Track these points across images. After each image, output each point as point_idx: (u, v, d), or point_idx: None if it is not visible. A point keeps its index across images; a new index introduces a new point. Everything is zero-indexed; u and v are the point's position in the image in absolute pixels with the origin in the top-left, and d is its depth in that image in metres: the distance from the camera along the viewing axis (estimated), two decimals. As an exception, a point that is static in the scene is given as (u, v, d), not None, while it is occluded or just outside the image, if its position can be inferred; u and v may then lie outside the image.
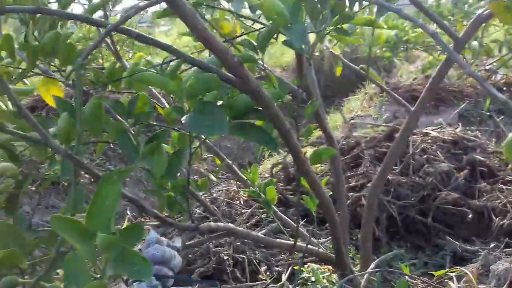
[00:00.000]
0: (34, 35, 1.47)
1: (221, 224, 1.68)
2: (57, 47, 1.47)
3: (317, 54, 5.99)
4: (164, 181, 1.53)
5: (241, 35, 1.72)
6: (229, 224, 1.73)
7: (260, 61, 1.81)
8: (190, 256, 2.25)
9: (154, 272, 1.22)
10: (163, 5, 1.24)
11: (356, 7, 1.58)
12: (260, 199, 2.03)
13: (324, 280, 1.96)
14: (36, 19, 1.42)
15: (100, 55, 3.64)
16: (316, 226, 2.23)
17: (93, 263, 0.87)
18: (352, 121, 3.29)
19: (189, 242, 1.84)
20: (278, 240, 1.85)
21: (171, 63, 1.56)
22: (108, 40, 2.31)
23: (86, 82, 1.71)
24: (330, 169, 2.24)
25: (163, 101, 2.21)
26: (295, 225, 2.02)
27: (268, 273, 2.20)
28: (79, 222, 0.87)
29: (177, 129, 1.79)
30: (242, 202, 2.85)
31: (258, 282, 2.08)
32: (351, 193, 2.60)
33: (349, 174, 2.77)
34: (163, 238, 1.35)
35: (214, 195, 2.71)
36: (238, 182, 2.81)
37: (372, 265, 1.77)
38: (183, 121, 1.27)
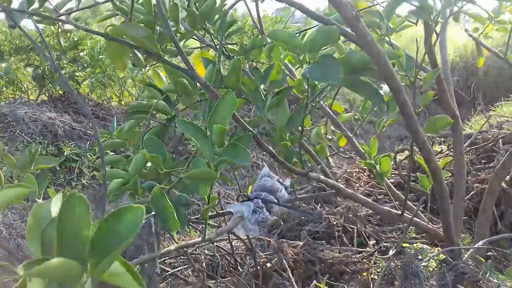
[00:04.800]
0: (195, 5, 1.81)
1: (330, 180, 1.80)
2: (212, 13, 1.79)
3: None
4: (283, 132, 1.73)
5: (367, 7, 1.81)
6: (338, 183, 1.84)
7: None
8: (303, 218, 2.41)
9: (262, 197, 1.41)
10: None
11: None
12: (374, 171, 2.10)
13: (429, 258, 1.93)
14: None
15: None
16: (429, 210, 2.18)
17: (209, 158, 1.10)
18: (495, 117, 3.05)
19: (300, 195, 1.99)
20: (386, 208, 1.89)
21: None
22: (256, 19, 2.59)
23: (233, 51, 2.01)
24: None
25: (295, 73, 2.41)
26: (414, 207, 2.02)
27: (375, 247, 2.23)
28: (199, 126, 1.10)
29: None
30: (362, 184, 2.91)
31: (364, 249, 2.13)
32: (477, 185, 2.46)
33: (479, 166, 2.62)
34: (274, 175, 1.54)
35: (334, 169, 2.83)
36: (358, 162, 2.87)
37: (481, 242, 1.69)
38: (303, 72, 1.44)
